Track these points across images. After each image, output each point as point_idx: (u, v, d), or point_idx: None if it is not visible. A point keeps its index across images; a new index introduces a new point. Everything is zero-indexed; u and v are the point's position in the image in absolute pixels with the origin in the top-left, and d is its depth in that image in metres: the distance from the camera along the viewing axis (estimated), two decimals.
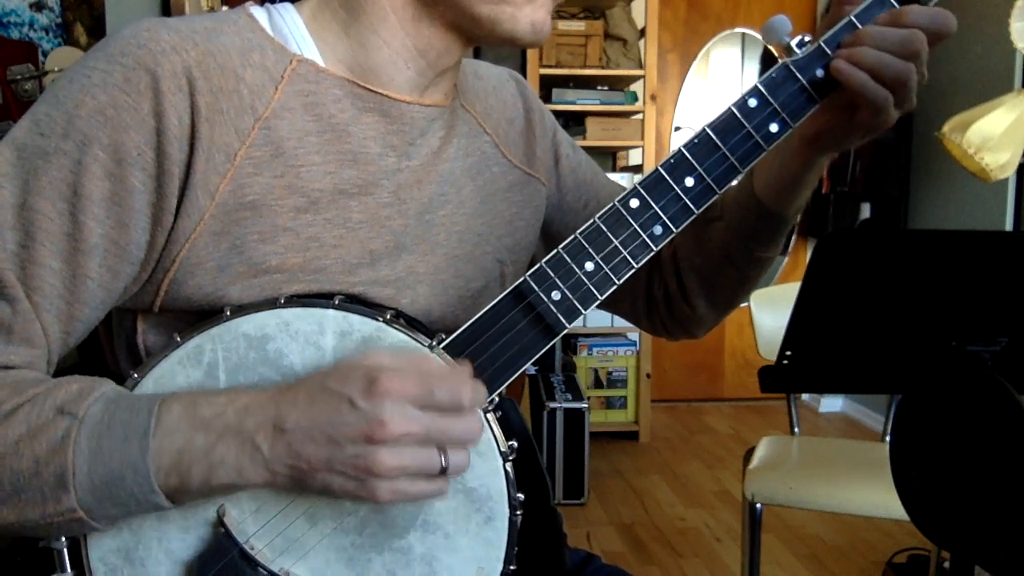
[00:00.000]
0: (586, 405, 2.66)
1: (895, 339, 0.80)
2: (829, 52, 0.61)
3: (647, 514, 2.61)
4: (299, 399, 0.53)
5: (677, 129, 3.80)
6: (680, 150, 0.62)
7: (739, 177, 0.63)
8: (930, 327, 0.78)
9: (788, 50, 0.62)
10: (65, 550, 0.57)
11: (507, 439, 0.59)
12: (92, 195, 0.55)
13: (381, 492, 0.52)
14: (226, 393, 0.56)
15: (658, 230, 0.62)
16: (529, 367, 0.61)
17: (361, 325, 0.58)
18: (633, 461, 3.08)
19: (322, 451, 0.52)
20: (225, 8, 0.66)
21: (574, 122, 3.13)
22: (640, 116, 3.14)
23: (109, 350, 0.68)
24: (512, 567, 0.59)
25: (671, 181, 0.62)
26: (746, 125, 0.61)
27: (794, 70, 0.61)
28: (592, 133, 3.10)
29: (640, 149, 3.18)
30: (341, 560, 0.58)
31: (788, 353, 0.83)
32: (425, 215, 0.67)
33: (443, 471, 0.53)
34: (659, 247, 0.62)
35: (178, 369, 0.58)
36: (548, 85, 3.10)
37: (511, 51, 3.03)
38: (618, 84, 3.27)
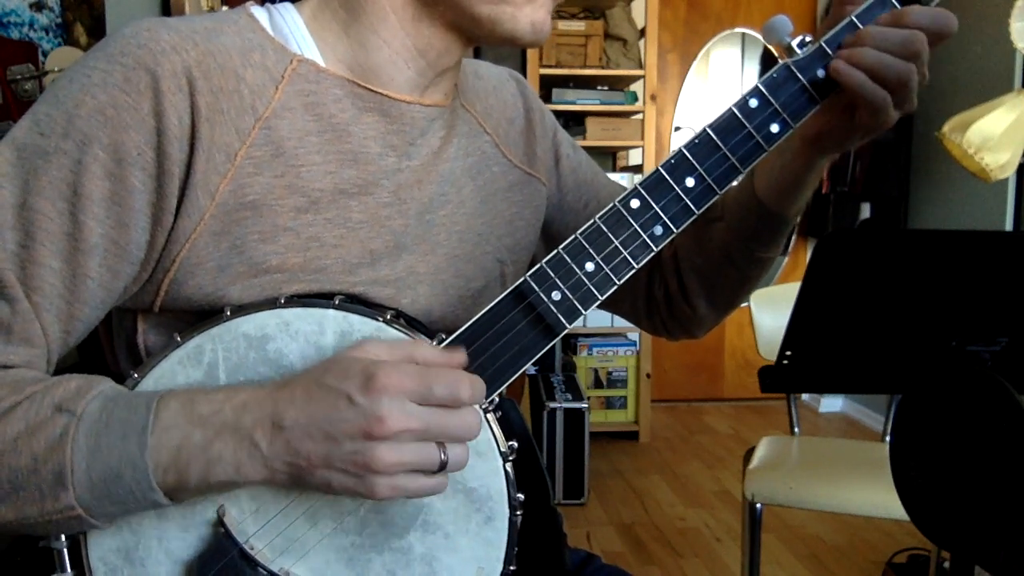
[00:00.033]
0: (586, 405, 2.66)
1: (895, 339, 0.80)
2: (830, 52, 0.61)
3: (647, 514, 2.61)
4: (297, 396, 0.53)
5: (677, 129, 3.80)
6: (681, 150, 0.62)
7: (740, 177, 0.63)
8: (930, 327, 0.78)
9: (789, 50, 0.62)
10: (65, 550, 0.57)
11: (507, 439, 0.59)
12: (92, 195, 0.55)
13: (380, 488, 0.52)
14: (224, 390, 0.56)
15: (659, 230, 0.62)
16: (529, 367, 0.61)
17: (361, 325, 0.58)
18: (633, 461, 3.08)
19: (320, 448, 0.52)
20: (225, 8, 0.66)
21: (574, 122, 3.13)
22: (640, 116, 3.14)
23: (109, 350, 0.68)
24: (512, 567, 0.59)
25: (672, 181, 0.62)
26: (747, 125, 0.61)
27: (795, 70, 0.61)
28: (592, 133, 3.10)
29: (640, 149, 3.18)
30: (341, 560, 0.58)
31: (788, 353, 0.83)
32: (425, 215, 0.67)
33: (442, 467, 0.53)
34: (660, 247, 0.62)
35: (178, 369, 0.58)
36: (548, 85, 3.10)
37: (511, 51, 3.03)
38: (618, 84, 3.27)
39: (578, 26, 3.11)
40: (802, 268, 2.60)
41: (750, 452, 1.78)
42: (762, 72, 0.63)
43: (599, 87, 3.17)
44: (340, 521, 0.58)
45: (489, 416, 0.58)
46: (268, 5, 0.65)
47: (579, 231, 0.61)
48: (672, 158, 0.62)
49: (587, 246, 0.61)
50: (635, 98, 3.21)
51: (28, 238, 0.55)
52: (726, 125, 0.62)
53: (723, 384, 3.92)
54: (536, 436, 2.64)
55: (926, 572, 1.95)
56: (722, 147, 0.62)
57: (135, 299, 0.61)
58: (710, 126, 0.62)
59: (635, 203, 0.61)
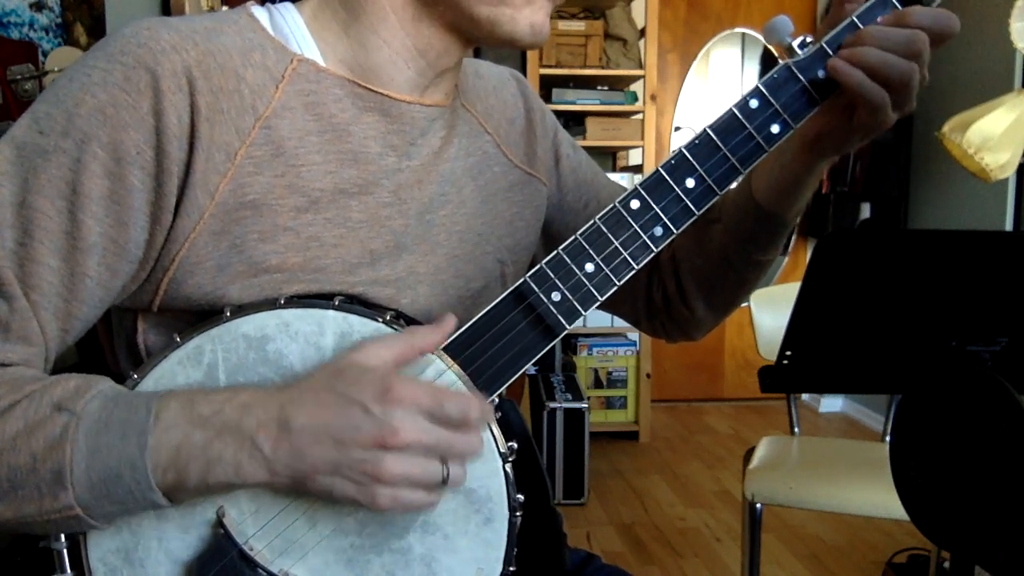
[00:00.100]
0: (586, 405, 2.66)
1: (895, 339, 0.80)
2: (831, 53, 0.61)
3: (647, 514, 2.61)
4: (306, 400, 0.53)
5: (677, 129, 3.80)
6: (681, 151, 0.61)
7: (740, 178, 0.63)
8: (930, 327, 0.78)
9: (790, 51, 0.62)
10: (65, 550, 0.57)
11: (507, 440, 0.59)
12: (91, 193, 0.55)
13: (381, 498, 0.52)
14: (225, 391, 0.56)
15: (659, 231, 0.62)
16: (529, 367, 0.61)
17: (361, 326, 0.58)
18: (633, 461, 3.08)
19: (329, 454, 0.52)
20: (225, 8, 0.66)
21: (574, 122, 3.13)
22: (640, 116, 3.14)
23: (109, 350, 0.68)
24: (512, 568, 0.59)
25: (672, 182, 0.61)
26: (747, 126, 0.61)
27: (796, 71, 0.61)
28: (592, 133, 3.10)
29: (640, 149, 3.18)
30: (340, 561, 0.58)
31: (788, 353, 0.83)
32: (425, 215, 0.67)
33: (442, 483, 0.54)
34: (660, 248, 0.62)
35: (178, 370, 0.58)
36: (548, 85, 3.10)
37: (511, 51, 3.03)
38: (618, 84, 3.27)
39: (578, 26, 3.11)
40: (802, 268, 2.60)
41: (750, 452, 1.78)
42: (762, 72, 0.63)
43: (599, 87, 3.17)
44: (339, 522, 0.58)
45: (490, 418, 0.58)
46: (268, 5, 0.65)
47: (579, 232, 0.61)
48: (672, 159, 0.62)
49: (587, 247, 0.61)
50: (635, 98, 3.21)
51: (27, 236, 0.55)
52: (726, 126, 0.62)
53: (723, 384, 3.92)
54: (536, 436, 2.64)
55: (926, 572, 1.95)
56: (722, 148, 0.61)
57: (134, 298, 0.61)
58: (710, 127, 0.62)
59: (635, 204, 0.61)
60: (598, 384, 3.25)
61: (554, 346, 3.21)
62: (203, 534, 0.57)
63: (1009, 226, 2.68)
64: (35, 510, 0.53)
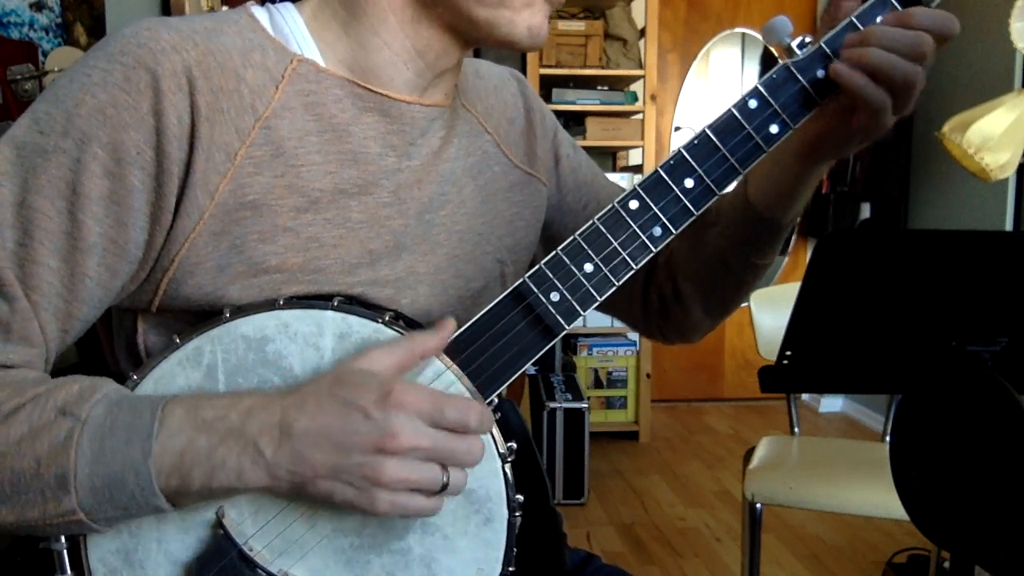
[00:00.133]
0: (586, 405, 2.66)
1: (895, 339, 0.80)
2: (830, 53, 0.61)
3: (647, 514, 2.61)
4: (307, 404, 0.53)
5: (677, 129, 3.80)
6: (680, 151, 0.61)
7: (739, 178, 0.63)
8: (930, 327, 0.78)
9: (789, 51, 0.62)
10: (65, 551, 0.57)
11: (506, 440, 0.59)
12: (91, 194, 0.55)
13: (381, 503, 0.52)
14: (230, 396, 0.56)
15: (657, 231, 0.62)
16: (529, 367, 0.61)
17: (360, 327, 0.58)
18: (633, 461, 3.08)
19: (329, 458, 0.52)
20: (225, 8, 0.66)
21: (574, 122, 3.13)
22: (640, 116, 3.14)
23: (109, 350, 0.68)
24: (511, 568, 0.59)
25: (670, 182, 0.61)
26: (746, 126, 0.61)
27: (795, 71, 0.61)
28: (592, 133, 3.10)
29: (640, 149, 3.18)
30: (340, 561, 0.58)
31: (788, 353, 0.83)
32: (425, 215, 0.67)
33: (442, 489, 0.54)
34: (658, 248, 0.62)
35: (177, 370, 0.58)
36: (548, 85, 3.10)
37: (511, 51, 3.03)
38: (618, 84, 3.27)
39: (578, 26, 3.11)
40: (802, 268, 2.60)
41: (750, 452, 1.78)
42: (762, 72, 0.63)
43: (599, 87, 3.17)
44: (339, 523, 0.58)
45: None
46: (268, 5, 0.65)
47: (578, 232, 0.61)
48: (671, 159, 0.62)
49: (586, 247, 0.61)
50: (635, 98, 3.21)
51: (27, 237, 0.55)
52: (725, 126, 0.61)
53: (723, 384, 3.92)
54: (536, 436, 2.64)
55: (926, 572, 1.95)
56: (721, 148, 0.61)
57: (134, 298, 0.61)
58: (709, 127, 0.61)
59: (634, 204, 0.61)
60: (598, 384, 3.25)
61: (554, 346, 3.21)
62: (203, 535, 0.57)
63: (1009, 226, 2.68)
64: (38, 514, 0.53)
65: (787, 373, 0.84)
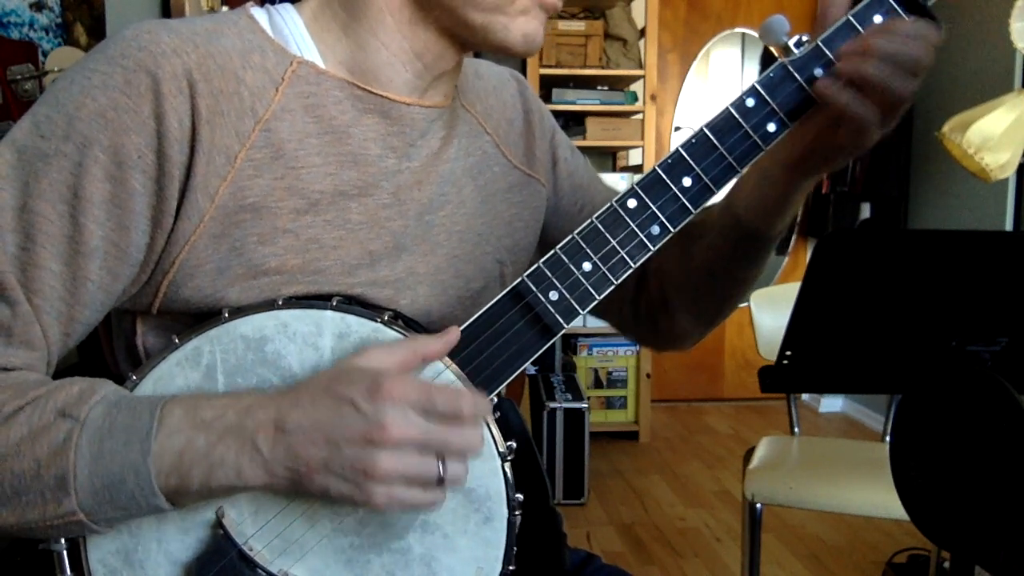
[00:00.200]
0: (586, 405, 2.66)
1: (895, 339, 0.80)
2: (827, 52, 0.61)
3: (647, 514, 2.61)
4: (301, 400, 0.54)
5: (677, 129, 3.80)
6: (678, 150, 0.62)
7: (737, 177, 0.63)
8: (930, 327, 0.78)
9: (786, 50, 0.62)
10: (65, 552, 0.57)
11: (506, 439, 0.59)
12: (92, 197, 0.55)
13: (377, 496, 0.52)
14: (228, 395, 0.56)
15: (656, 230, 0.62)
16: (529, 367, 0.61)
17: (359, 326, 0.58)
18: (633, 461, 3.08)
19: (321, 452, 0.52)
20: (225, 9, 0.66)
21: (574, 122, 3.13)
22: (640, 116, 3.14)
23: (109, 351, 0.68)
24: (511, 567, 0.59)
25: (668, 181, 0.62)
26: (744, 125, 0.61)
27: (792, 70, 0.61)
28: (592, 133, 3.10)
29: (640, 149, 3.18)
30: (340, 561, 0.58)
31: (788, 353, 0.83)
32: (425, 216, 0.67)
33: (440, 481, 0.53)
34: (657, 247, 0.62)
35: (176, 371, 0.58)
36: (548, 85, 3.10)
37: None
38: (618, 84, 3.27)
39: (578, 26, 3.11)
40: (802, 268, 2.60)
41: (750, 452, 1.78)
42: (762, 72, 0.63)
43: (599, 87, 3.17)
44: (339, 522, 0.58)
45: (488, 416, 0.58)
46: (268, 6, 0.65)
47: (576, 231, 0.61)
48: (669, 158, 0.62)
49: (584, 246, 0.61)
50: (635, 98, 3.21)
51: (28, 241, 0.55)
52: (723, 125, 0.62)
53: (723, 384, 3.92)
54: (536, 436, 2.64)
55: (926, 572, 1.95)
56: (719, 147, 0.61)
57: (134, 301, 0.61)
58: (707, 125, 0.62)
59: (632, 203, 0.61)
60: (598, 384, 3.25)
61: (554, 346, 3.21)
62: (202, 535, 0.57)
63: (1009, 226, 2.68)
64: (38, 516, 0.53)
65: (787, 373, 0.84)
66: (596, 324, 3.27)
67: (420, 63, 0.65)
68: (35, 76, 1.52)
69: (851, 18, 0.61)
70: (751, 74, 3.85)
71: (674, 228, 0.62)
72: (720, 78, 3.84)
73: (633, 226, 0.61)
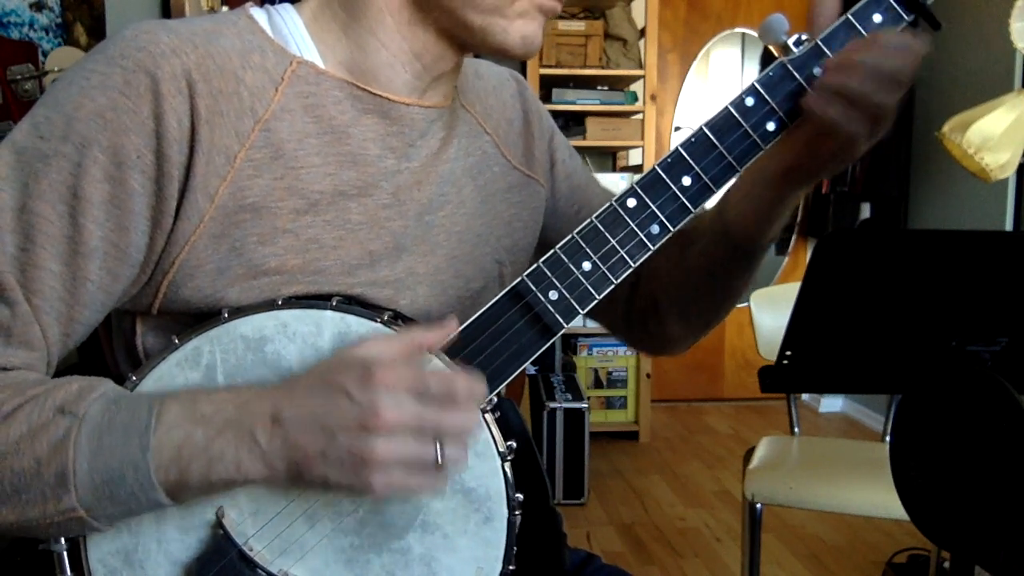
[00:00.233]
0: (586, 405, 2.66)
1: (895, 339, 0.80)
2: (826, 51, 0.61)
3: (647, 514, 2.61)
4: (297, 392, 0.54)
5: (677, 129, 3.80)
6: (677, 149, 0.62)
7: (737, 176, 0.63)
8: (930, 327, 0.78)
9: (785, 49, 0.62)
10: (65, 553, 0.57)
11: (506, 439, 0.59)
12: (92, 198, 0.55)
13: (376, 483, 0.52)
14: (226, 390, 0.56)
15: (655, 229, 0.62)
16: (529, 367, 0.61)
17: (358, 326, 0.58)
18: (633, 461, 3.08)
19: (317, 441, 0.52)
20: (225, 9, 0.66)
21: (574, 122, 3.13)
22: (640, 116, 3.14)
23: (109, 351, 0.68)
24: (511, 567, 0.59)
25: (668, 180, 0.62)
26: (743, 124, 0.61)
27: (791, 69, 0.61)
28: (592, 133, 3.10)
29: (640, 149, 3.18)
30: (340, 561, 0.58)
31: (788, 353, 0.83)
32: (425, 216, 0.67)
33: (438, 466, 0.53)
34: (657, 246, 0.62)
35: (176, 371, 0.58)
36: (548, 85, 3.10)
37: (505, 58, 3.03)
38: (618, 84, 3.27)
39: (578, 26, 3.11)
40: (802, 268, 2.59)
41: (750, 452, 1.78)
42: (762, 72, 0.63)
43: (599, 87, 3.17)
44: (339, 522, 0.58)
45: (487, 416, 0.58)
46: (267, 7, 0.65)
47: (576, 230, 0.61)
48: (668, 157, 0.62)
49: (584, 245, 0.61)
50: (635, 98, 3.21)
51: (28, 241, 0.55)
52: (723, 124, 0.62)
53: (723, 384, 3.92)
54: (536, 436, 2.64)
55: (926, 572, 1.95)
56: (718, 145, 0.61)
57: (134, 301, 0.61)
58: (706, 124, 0.62)
59: (632, 202, 0.61)
60: (598, 384, 3.25)
61: (553, 346, 3.21)
62: (202, 535, 0.57)
63: (1009, 226, 2.68)
64: (39, 513, 0.53)
65: (787, 373, 0.84)
66: (596, 324, 3.28)
67: (419, 64, 0.65)
68: (35, 76, 1.52)
69: (851, 17, 0.61)
70: (751, 74, 3.85)
71: (674, 227, 0.62)
72: (720, 78, 3.84)
73: (633, 225, 0.61)
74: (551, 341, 0.61)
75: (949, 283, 0.76)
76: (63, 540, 0.57)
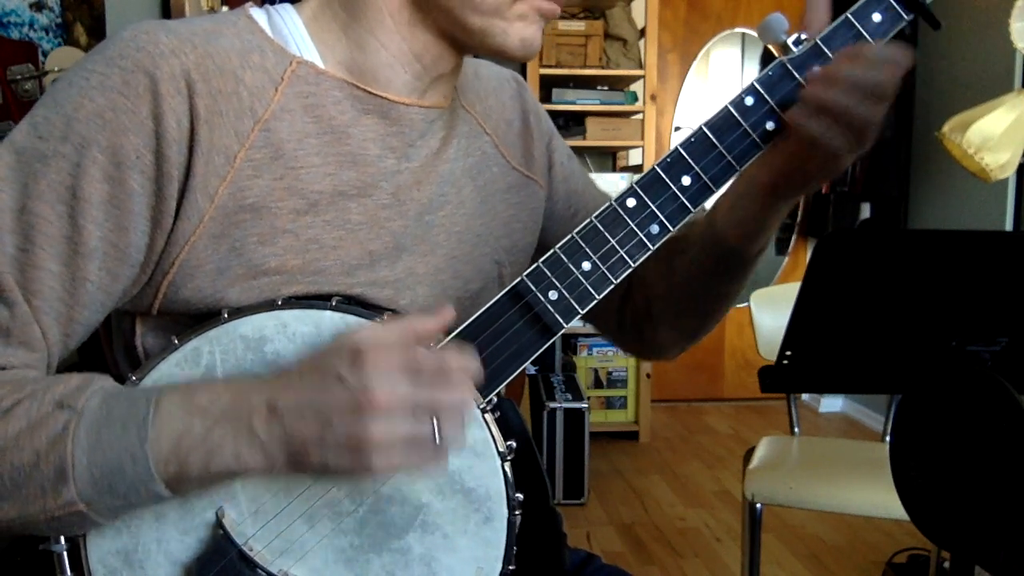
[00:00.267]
0: (586, 405, 2.66)
1: (895, 339, 0.80)
2: (826, 50, 0.61)
3: (647, 514, 2.61)
4: (291, 380, 0.54)
5: (677, 129, 3.80)
6: (677, 149, 0.62)
7: (736, 176, 0.63)
8: (930, 327, 0.78)
9: (785, 48, 0.62)
10: (65, 553, 0.57)
11: (506, 439, 0.59)
12: (91, 198, 0.55)
13: (377, 465, 0.52)
14: (224, 381, 0.56)
15: (655, 229, 0.62)
16: (529, 367, 0.61)
17: (358, 327, 0.58)
18: (633, 461, 3.08)
19: (314, 428, 0.52)
20: (225, 9, 0.66)
21: (574, 122, 3.13)
22: (640, 116, 3.14)
23: (109, 351, 0.68)
24: (511, 567, 0.59)
25: (668, 180, 0.62)
26: (743, 123, 0.61)
27: (791, 68, 0.61)
28: (592, 133, 3.10)
29: (640, 149, 3.18)
30: (340, 561, 0.58)
31: (788, 353, 0.83)
32: (424, 216, 0.67)
33: (437, 442, 0.53)
34: (656, 246, 0.62)
35: (176, 371, 0.58)
36: (548, 85, 3.10)
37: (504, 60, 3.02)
38: (618, 84, 3.27)
39: (578, 26, 3.11)
40: (802, 268, 2.59)
41: (750, 452, 1.78)
42: (761, 72, 0.63)
43: (599, 87, 3.16)
44: (339, 522, 0.58)
45: (487, 416, 0.58)
46: (267, 7, 0.65)
47: (576, 230, 0.61)
48: (668, 157, 0.62)
49: (584, 245, 0.61)
50: (635, 98, 3.21)
51: (27, 242, 0.55)
52: (722, 123, 0.62)
53: (723, 384, 3.92)
54: (536, 436, 2.64)
55: (926, 572, 1.95)
56: (718, 145, 0.61)
57: (134, 302, 0.61)
58: (706, 124, 0.62)
59: (631, 202, 0.61)
60: (598, 384, 3.25)
61: (553, 346, 3.20)
62: (202, 535, 0.57)
63: (1009, 226, 2.68)
64: (39, 508, 0.53)
65: (787, 373, 0.84)
66: None
67: (419, 64, 0.65)
68: (35, 76, 1.52)
69: (850, 16, 0.61)
70: (751, 74, 3.85)
71: (673, 227, 0.62)
72: (720, 78, 3.84)
73: (632, 225, 0.61)
74: (551, 341, 0.61)
75: (949, 283, 0.76)
76: (63, 540, 0.57)
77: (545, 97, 3.05)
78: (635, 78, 3.20)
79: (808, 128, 0.59)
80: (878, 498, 1.53)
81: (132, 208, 0.56)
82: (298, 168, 0.61)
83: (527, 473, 0.65)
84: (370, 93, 0.63)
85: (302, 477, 0.57)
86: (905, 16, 0.61)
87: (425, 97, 0.67)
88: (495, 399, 0.60)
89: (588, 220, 0.61)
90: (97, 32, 2.49)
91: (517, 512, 0.59)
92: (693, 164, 0.61)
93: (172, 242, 0.58)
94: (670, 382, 3.82)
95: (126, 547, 0.57)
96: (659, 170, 0.62)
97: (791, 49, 0.62)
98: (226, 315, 0.58)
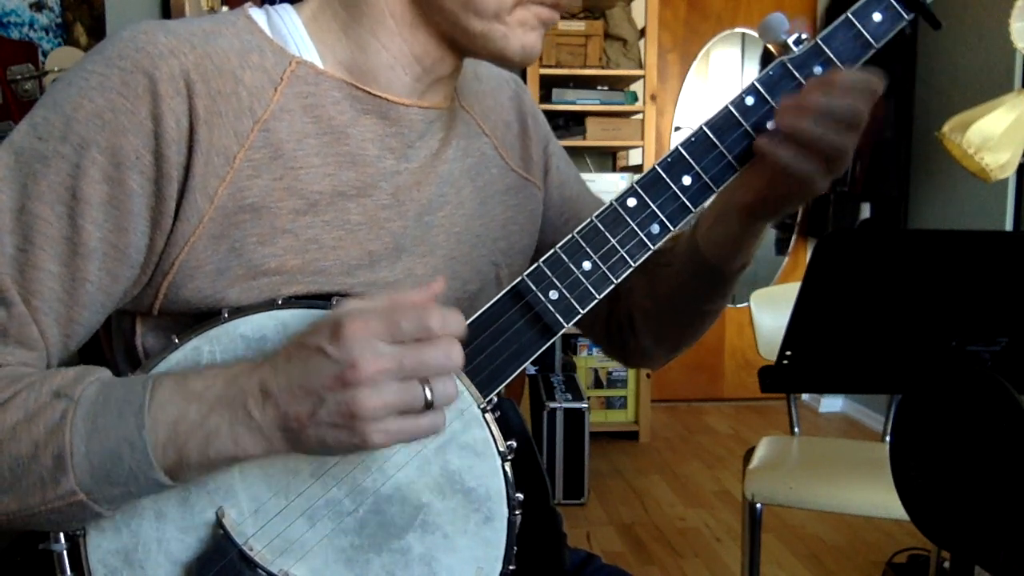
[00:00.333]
0: (586, 405, 2.66)
1: (895, 339, 0.80)
2: (826, 50, 0.61)
3: (647, 514, 2.61)
4: (279, 361, 0.54)
5: (677, 129, 3.80)
6: (677, 148, 0.62)
7: (736, 176, 0.63)
8: (930, 327, 0.78)
9: (785, 48, 0.62)
10: (65, 552, 0.57)
11: (506, 439, 0.59)
12: (90, 199, 0.55)
13: (372, 435, 0.51)
14: (217, 366, 0.56)
15: (656, 229, 0.62)
16: (529, 367, 0.61)
17: None
18: (633, 461, 3.08)
19: (305, 406, 0.52)
20: (225, 9, 0.66)
21: (574, 122, 3.13)
22: (640, 116, 3.14)
23: (109, 351, 0.68)
24: (511, 567, 0.59)
25: (668, 180, 0.62)
26: (743, 123, 0.61)
27: (791, 67, 0.61)
28: (592, 133, 3.10)
29: (640, 149, 3.18)
30: (340, 561, 0.58)
31: (788, 353, 0.83)
32: (424, 216, 0.67)
33: (430, 404, 0.52)
34: (657, 246, 0.62)
35: (176, 371, 0.58)
36: (548, 85, 3.10)
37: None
38: (618, 84, 3.27)
39: (578, 26, 3.11)
40: (802, 268, 2.59)
41: (750, 452, 1.78)
42: (762, 71, 0.63)
43: (599, 87, 3.17)
44: (339, 522, 0.58)
45: (487, 416, 0.58)
46: (267, 7, 0.65)
47: (576, 230, 0.61)
48: (669, 156, 0.62)
49: (584, 245, 0.61)
50: (635, 98, 3.21)
51: (27, 242, 0.55)
52: (723, 123, 0.62)
53: (723, 384, 3.92)
54: (536, 436, 2.64)
55: (926, 572, 1.95)
56: (719, 145, 0.61)
57: (134, 302, 0.61)
58: (707, 123, 0.62)
59: (632, 202, 0.61)
60: (598, 384, 3.25)
61: (554, 346, 3.21)
62: (203, 535, 0.57)
63: (1009, 226, 2.68)
64: (39, 499, 0.53)
65: (787, 373, 0.84)
66: None
67: (419, 66, 0.65)
68: (35, 76, 1.52)
69: (851, 16, 0.61)
70: (751, 74, 3.85)
71: (674, 227, 0.62)
72: (720, 78, 3.84)
73: (633, 225, 0.61)
74: (551, 341, 0.61)
75: (949, 283, 0.76)
76: (63, 539, 0.57)
77: (545, 97, 3.06)
78: (635, 78, 3.20)
79: (774, 156, 0.59)
80: (878, 498, 1.53)
81: (131, 209, 0.56)
82: (297, 168, 0.61)
83: (527, 473, 0.65)
84: (369, 93, 0.63)
85: (303, 475, 0.57)
86: (905, 16, 0.61)
87: (424, 98, 0.67)
88: (495, 399, 0.60)
89: (589, 220, 0.61)
90: (97, 32, 2.49)
91: (517, 512, 0.59)
92: (694, 164, 0.61)
93: (172, 243, 0.58)
94: (670, 382, 3.82)
95: (126, 546, 0.57)
96: (660, 170, 0.62)
97: (791, 49, 0.62)
98: (226, 315, 0.58)
